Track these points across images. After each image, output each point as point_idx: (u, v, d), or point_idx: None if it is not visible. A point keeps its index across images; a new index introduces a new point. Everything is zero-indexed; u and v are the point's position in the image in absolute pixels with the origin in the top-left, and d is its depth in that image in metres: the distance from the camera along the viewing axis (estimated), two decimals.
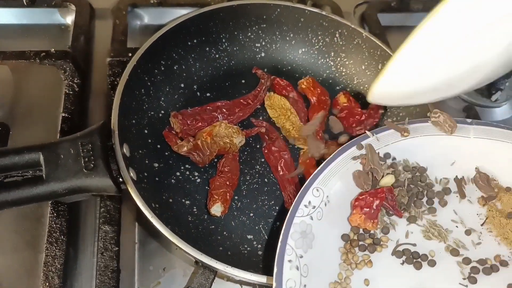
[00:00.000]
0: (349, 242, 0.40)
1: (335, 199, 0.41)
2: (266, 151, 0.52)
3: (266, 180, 0.52)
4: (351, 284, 0.38)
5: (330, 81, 0.62)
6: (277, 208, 0.51)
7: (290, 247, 0.37)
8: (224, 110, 0.54)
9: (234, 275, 0.39)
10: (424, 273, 0.40)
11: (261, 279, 0.39)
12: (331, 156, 0.43)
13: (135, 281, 0.48)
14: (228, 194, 0.47)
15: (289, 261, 0.36)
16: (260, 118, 0.57)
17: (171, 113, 0.52)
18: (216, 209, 0.46)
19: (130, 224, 0.51)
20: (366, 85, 0.61)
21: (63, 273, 0.45)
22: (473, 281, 0.39)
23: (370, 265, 0.40)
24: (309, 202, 0.39)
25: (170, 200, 0.48)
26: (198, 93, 0.58)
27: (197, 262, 0.44)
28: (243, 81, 0.60)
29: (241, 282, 0.48)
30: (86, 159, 0.40)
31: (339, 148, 0.44)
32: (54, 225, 0.47)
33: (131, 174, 0.43)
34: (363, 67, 0.61)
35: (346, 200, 0.42)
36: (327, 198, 0.41)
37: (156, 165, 0.50)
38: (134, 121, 0.49)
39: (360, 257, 0.40)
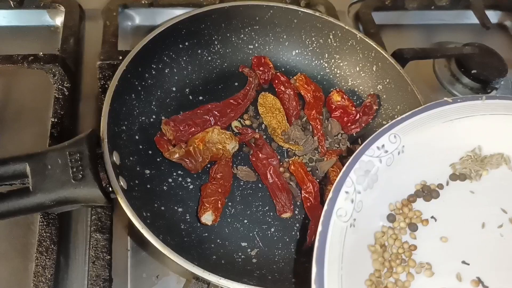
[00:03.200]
0: (409, 197, 0.40)
1: (410, 152, 0.40)
2: (253, 159, 0.52)
3: (260, 185, 0.52)
4: (400, 236, 0.38)
5: (325, 82, 0.62)
6: (271, 214, 0.50)
7: (351, 180, 0.37)
8: (216, 113, 0.53)
9: (227, 287, 0.39)
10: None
11: None
12: (419, 108, 0.42)
13: None
14: (219, 202, 0.46)
15: (346, 192, 0.36)
16: (248, 113, 0.57)
17: (162, 121, 0.51)
18: (207, 218, 0.46)
19: (122, 232, 0.50)
20: (361, 87, 0.60)
21: (54, 283, 0.44)
22: None
23: (425, 224, 0.39)
24: (383, 146, 0.39)
25: (162, 208, 0.47)
26: (191, 97, 0.57)
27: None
28: (236, 83, 0.59)
29: None
30: (74, 169, 0.39)
31: (430, 103, 0.43)
32: (44, 234, 0.46)
33: (121, 183, 0.42)
34: (357, 69, 0.60)
35: (421, 157, 0.41)
36: (402, 148, 0.40)
37: (147, 172, 0.49)
38: (124, 127, 0.48)
39: (415, 214, 0.39)
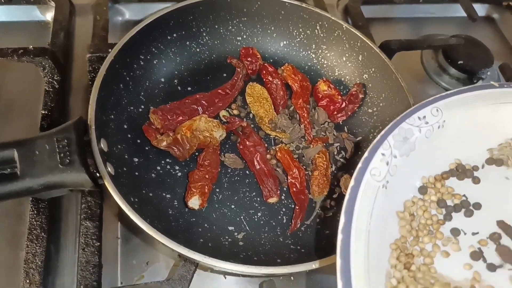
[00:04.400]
0: (443, 173, 0.40)
1: (451, 128, 0.41)
2: (241, 147, 0.52)
3: (247, 172, 0.52)
4: (429, 208, 0.38)
5: (312, 73, 0.62)
6: (258, 199, 0.51)
7: (388, 144, 0.37)
8: (204, 102, 0.54)
9: (212, 265, 0.39)
10: None
11: (240, 268, 0.39)
12: (465, 87, 0.42)
13: (118, 276, 0.48)
14: (206, 187, 0.47)
15: (382, 154, 0.37)
16: (236, 103, 0.58)
17: (151, 110, 0.52)
18: (194, 202, 0.46)
19: (112, 220, 0.51)
20: (347, 77, 0.61)
21: (44, 270, 0.45)
22: None
23: (458, 198, 0.39)
24: (424, 117, 0.40)
25: (150, 194, 0.48)
26: (179, 87, 0.58)
27: (180, 255, 0.45)
28: (224, 74, 0.60)
29: (225, 273, 0.48)
30: (62, 155, 0.40)
31: (477, 85, 0.43)
32: (35, 223, 0.47)
33: (109, 169, 0.43)
34: (344, 59, 0.61)
35: (460, 136, 0.41)
36: (443, 122, 0.41)
37: (136, 160, 0.50)
38: (112, 116, 0.49)
39: (447, 190, 0.40)
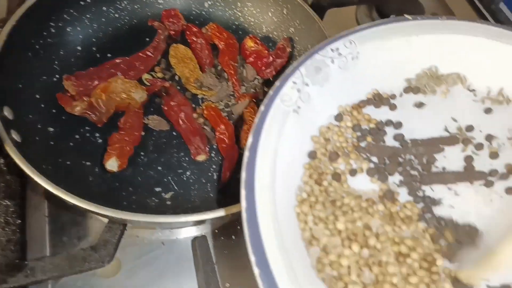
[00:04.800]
0: (360, 102, 0.40)
1: (365, 60, 0.41)
2: (165, 108, 0.50)
3: (174, 133, 0.51)
4: (345, 134, 0.38)
5: (240, 32, 0.61)
6: (186, 159, 0.49)
7: (300, 73, 0.37)
8: (123, 66, 0.51)
9: (128, 220, 0.38)
10: None
11: (158, 219, 0.38)
12: (378, 21, 0.42)
13: (47, 253, 0.46)
14: (125, 148, 0.45)
15: (294, 82, 0.36)
16: (160, 65, 0.55)
17: (64, 77, 0.49)
18: (112, 164, 0.44)
19: (39, 198, 0.48)
20: (275, 32, 0.60)
21: None
22: None
23: (374, 123, 0.39)
24: (337, 49, 0.39)
25: (68, 163, 0.45)
26: (98, 55, 0.55)
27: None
28: (147, 39, 0.57)
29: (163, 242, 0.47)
30: None
31: (390, 18, 0.43)
32: None
33: (13, 136, 0.40)
34: (269, 14, 0.60)
35: (376, 67, 0.41)
36: (357, 54, 0.40)
37: (51, 129, 0.47)
38: (21, 85, 0.46)
39: (363, 116, 0.40)
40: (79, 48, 0.54)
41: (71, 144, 0.47)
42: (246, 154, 0.31)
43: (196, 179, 0.48)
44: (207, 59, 0.56)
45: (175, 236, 0.47)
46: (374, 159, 0.38)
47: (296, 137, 0.35)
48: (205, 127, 0.51)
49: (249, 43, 0.57)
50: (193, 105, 0.53)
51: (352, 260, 0.31)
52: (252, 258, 0.27)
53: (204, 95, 0.53)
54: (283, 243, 0.29)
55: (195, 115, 0.51)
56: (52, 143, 0.46)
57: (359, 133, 0.38)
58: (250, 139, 0.32)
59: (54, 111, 0.48)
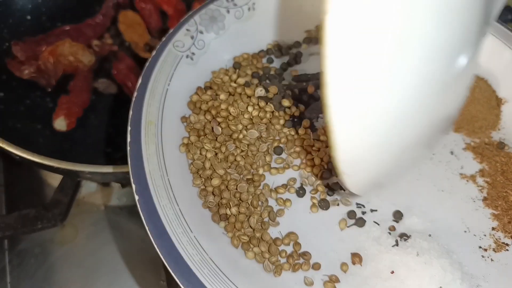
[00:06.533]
0: (259, 52, 0.42)
1: (262, 11, 0.42)
2: (115, 72, 0.52)
3: (124, 96, 0.52)
4: (241, 80, 0.39)
5: None
6: None
7: (194, 21, 0.38)
8: (72, 33, 0.52)
9: (72, 170, 0.40)
10: None
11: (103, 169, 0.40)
12: None
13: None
14: (73, 108, 0.46)
15: (187, 29, 0.38)
16: (110, 32, 0.56)
17: (12, 43, 0.50)
18: (60, 123, 0.46)
19: None
20: None
21: None
22: None
23: (273, 71, 0.41)
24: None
25: (19, 125, 0.46)
26: (49, 24, 0.55)
27: None
28: (98, 7, 0.58)
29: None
30: None
31: None
32: None
33: None
34: None
35: (275, 18, 0.42)
36: (253, 5, 0.41)
37: (1, 94, 0.48)
38: None
39: (263, 65, 0.41)
40: (28, 17, 0.55)
41: (21, 108, 0.48)
42: (135, 94, 0.33)
43: None
44: (156, 24, 0.57)
45: (133, 202, 0.49)
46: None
47: (189, 81, 0.37)
48: None
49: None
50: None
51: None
52: (134, 186, 0.29)
53: None
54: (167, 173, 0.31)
55: None
56: (2, 107, 0.47)
57: (256, 80, 0.39)
58: (139, 81, 0.34)
59: (4, 77, 0.49)
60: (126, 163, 0.46)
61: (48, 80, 0.48)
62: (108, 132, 0.49)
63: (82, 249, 0.46)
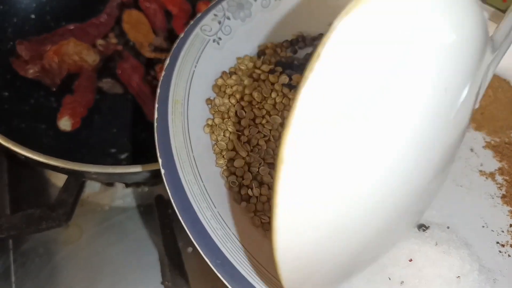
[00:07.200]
0: (283, 42, 0.42)
1: (288, 2, 0.42)
2: (119, 72, 0.51)
3: (129, 96, 0.52)
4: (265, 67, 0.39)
5: None
6: (141, 120, 0.50)
7: (222, 7, 0.39)
8: (77, 32, 0.52)
9: (78, 171, 0.40)
10: None
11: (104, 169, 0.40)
12: None
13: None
14: (78, 108, 0.46)
15: (215, 14, 0.38)
16: (114, 32, 0.56)
17: (17, 42, 0.50)
18: (64, 123, 0.46)
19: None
20: None
21: None
22: None
23: (298, 61, 0.40)
24: None
25: (23, 125, 0.46)
26: (53, 24, 0.55)
27: None
28: (102, 7, 0.58)
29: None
30: None
31: None
32: None
33: None
34: None
35: (301, 9, 0.42)
36: None
37: (6, 94, 0.48)
38: None
39: (286, 54, 0.41)
40: (32, 16, 0.55)
41: (26, 108, 0.48)
42: (162, 73, 0.33)
43: (151, 140, 0.49)
44: (161, 24, 0.57)
45: (137, 202, 0.49)
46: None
47: (214, 67, 0.37)
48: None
49: (203, 8, 0.58)
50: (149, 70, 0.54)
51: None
52: (160, 160, 0.29)
53: (157, 57, 0.54)
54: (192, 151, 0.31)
55: (149, 77, 0.53)
56: (6, 106, 0.47)
57: (280, 69, 0.39)
58: (167, 61, 0.34)
59: (8, 76, 0.49)
60: (130, 163, 0.47)
61: (52, 79, 0.47)
62: (113, 132, 0.49)
63: (86, 249, 0.46)
